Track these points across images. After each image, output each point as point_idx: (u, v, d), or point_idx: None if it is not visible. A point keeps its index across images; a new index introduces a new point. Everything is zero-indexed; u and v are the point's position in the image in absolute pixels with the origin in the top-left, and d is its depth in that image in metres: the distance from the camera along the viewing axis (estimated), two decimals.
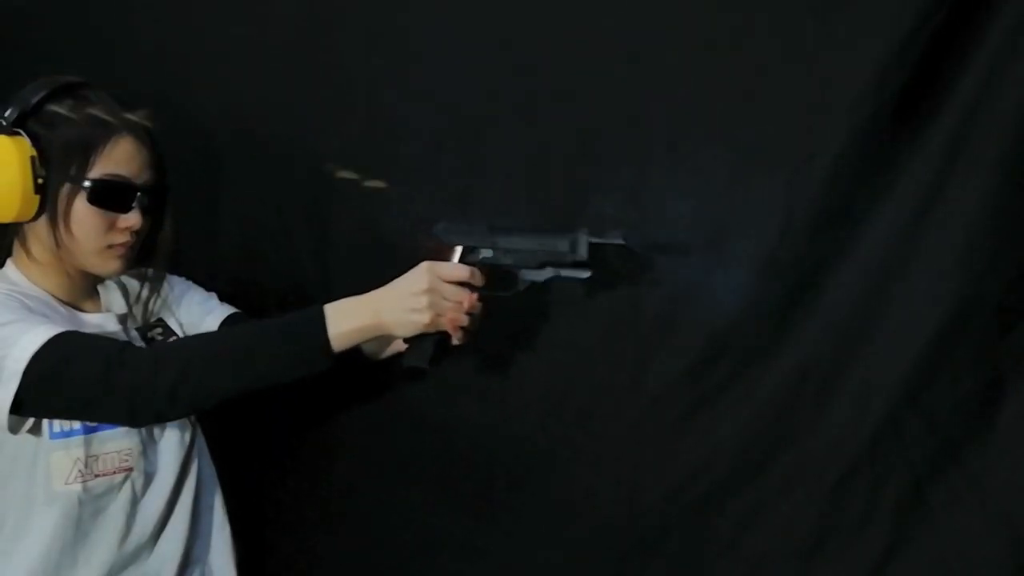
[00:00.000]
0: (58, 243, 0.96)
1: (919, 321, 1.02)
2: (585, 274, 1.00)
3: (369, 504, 1.28)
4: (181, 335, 1.10)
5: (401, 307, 0.95)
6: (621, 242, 0.99)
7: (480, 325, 1.00)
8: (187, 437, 1.07)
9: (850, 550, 1.06)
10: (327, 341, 0.93)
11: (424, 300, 0.94)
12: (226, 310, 1.13)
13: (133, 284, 1.09)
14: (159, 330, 1.09)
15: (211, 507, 1.11)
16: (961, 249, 0.99)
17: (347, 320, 0.94)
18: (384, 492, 1.27)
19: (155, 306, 1.10)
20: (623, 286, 1.11)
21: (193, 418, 1.08)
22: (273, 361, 0.94)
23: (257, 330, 1.00)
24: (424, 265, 0.96)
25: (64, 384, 0.90)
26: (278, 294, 1.23)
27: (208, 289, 1.16)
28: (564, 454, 1.17)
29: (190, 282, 1.16)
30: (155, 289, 1.09)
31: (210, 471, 1.12)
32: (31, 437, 0.95)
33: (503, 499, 1.21)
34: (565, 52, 1.10)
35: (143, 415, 0.94)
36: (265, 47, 1.24)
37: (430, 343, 1.00)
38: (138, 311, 1.08)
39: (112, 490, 0.99)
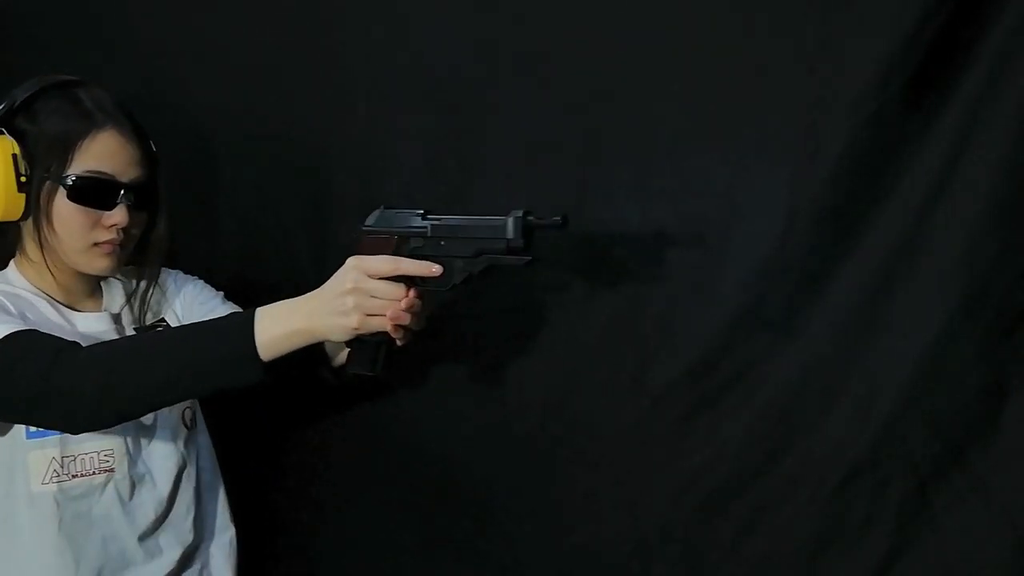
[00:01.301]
0: (42, 241, 0.96)
1: (922, 322, 1.01)
2: (523, 260, 0.89)
3: (368, 506, 1.28)
4: None
5: (328, 310, 0.87)
6: (558, 220, 0.89)
7: (426, 323, 0.92)
8: (181, 440, 1.05)
9: (853, 552, 1.05)
10: (254, 347, 0.86)
11: (350, 301, 0.86)
12: (229, 309, 1.11)
13: (134, 283, 1.08)
14: (160, 330, 1.08)
15: (214, 512, 1.10)
16: (964, 249, 0.99)
17: (277, 324, 0.87)
18: (383, 494, 1.27)
19: (155, 305, 1.09)
20: (624, 286, 1.11)
21: (189, 421, 1.08)
22: (199, 366, 0.88)
23: (188, 332, 0.96)
24: (349, 262, 0.88)
25: (9, 385, 0.88)
26: (276, 294, 1.22)
27: None
28: (564, 455, 1.16)
29: (199, 281, 1.14)
30: (150, 287, 1.07)
31: (213, 475, 1.11)
32: (7, 436, 0.94)
33: (503, 501, 1.20)
34: (565, 52, 1.10)
35: (76, 420, 0.90)
36: (265, 47, 1.24)
37: (370, 347, 0.92)
38: (135, 310, 1.07)
39: (92, 492, 0.97)
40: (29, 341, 0.89)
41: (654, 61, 1.07)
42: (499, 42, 1.13)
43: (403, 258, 0.89)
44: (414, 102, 1.18)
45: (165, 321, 1.09)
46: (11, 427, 0.94)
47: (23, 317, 0.94)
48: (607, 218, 1.11)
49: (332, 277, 0.89)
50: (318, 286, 1.22)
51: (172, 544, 1.04)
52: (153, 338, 1.00)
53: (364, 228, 0.96)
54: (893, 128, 1.00)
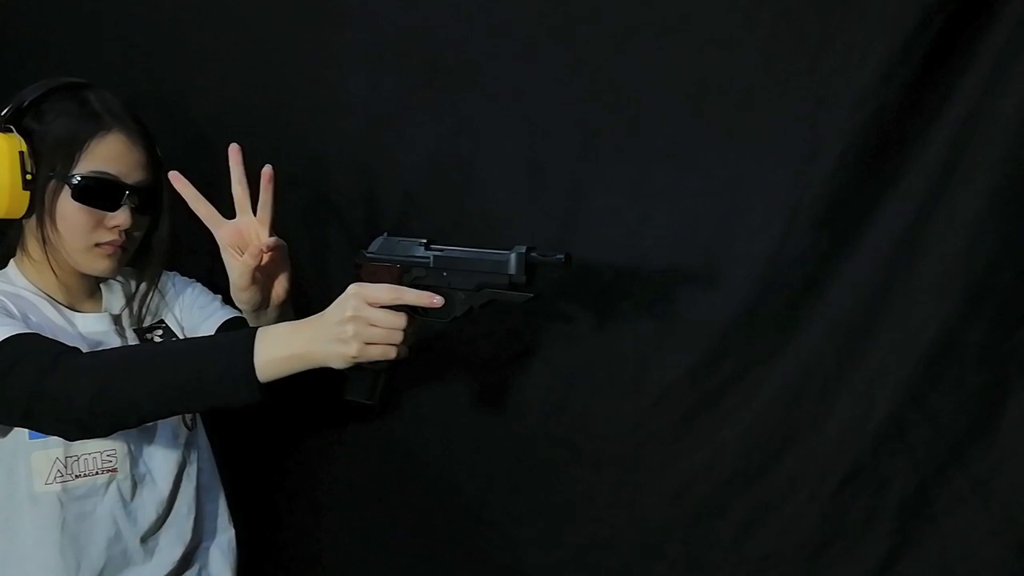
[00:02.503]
0: (45, 240, 0.96)
1: (923, 321, 1.01)
2: (525, 297, 0.89)
3: (368, 507, 1.28)
4: (182, 337, 1.09)
5: (328, 336, 0.84)
6: (560, 258, 0.88)
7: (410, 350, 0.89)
8: (181, 440, 1.05)
9: (854, 552, 1.05)
10: (252, 367, 0.84)
11: (349, 329, 0.84)
12: (226, 314, 1.11)
13: (134, 285, 1.08)
14: (160, 332, 1.08)
15: (214, 512, 1.10)
16: (965, 248, 0.99)
17: (276, 347, 0.85)
18: (383, 494, 1.27)
19: (154, 307, 1.09)
20: (624, 285, 1.11)
21: (190, 422, 1.08)
22: (196, 382, 0.86)
23: (188, 346, 0.96)
24: (350, 289, 0.86)
25: (5, 389, 0.87)
26: None
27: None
28: (564, 456, 1.17)
29: (197, 284, 1.14)
30: (150, 289, 1.07)
31: (213, 476, 1.11)
32: (10, 437, 0.94)
33: (503, 502, 1.20)
34: (565, 52, 1.10)
35: (68, 427, 0.89)
36: (265, 47, 1.24)
37: (369, 376, 0.90)
38: (135, 311, 1.07)
39: (95, 492, 0.97)
40: (29, 344, 0.89)
41: (654, 60, 1.07)
42: (499, 42, 1.13)
43: (405, 287, 0.87)
44: (414, 102, 1.18)
45: (164, 323, 1.09)
46: (12, 428, 0.94)
47: (25, 319, 0.94)
48: (607, 218, 1.11)
49: (334, 303, 0.87)
50: (318, 286, 1.23)
51: (173, 544, 1.04)
52: (152, 350, 0.99)
53: (367, 255, 0.96)
54: (893, 128, 1.00)
